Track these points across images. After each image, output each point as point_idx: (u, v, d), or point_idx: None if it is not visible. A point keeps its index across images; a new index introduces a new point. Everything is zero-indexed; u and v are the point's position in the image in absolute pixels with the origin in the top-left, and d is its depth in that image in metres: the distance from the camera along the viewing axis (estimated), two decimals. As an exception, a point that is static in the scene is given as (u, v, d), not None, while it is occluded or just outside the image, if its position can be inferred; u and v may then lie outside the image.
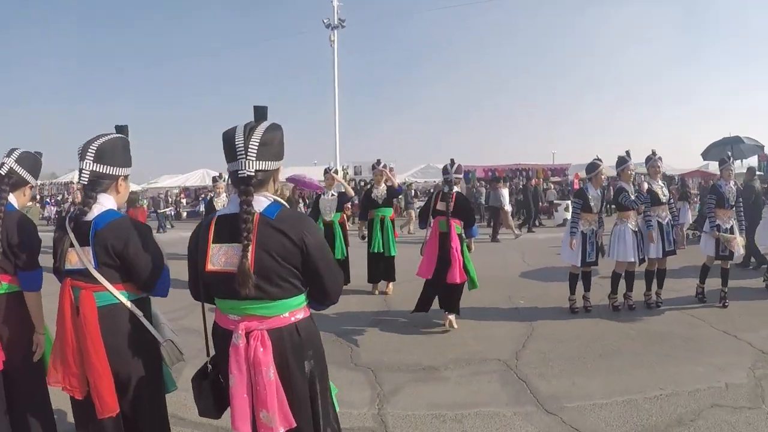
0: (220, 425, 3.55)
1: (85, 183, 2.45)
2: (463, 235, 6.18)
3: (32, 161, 3.15)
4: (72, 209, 2.52)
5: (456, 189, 6.18)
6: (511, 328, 6.10)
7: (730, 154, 7.38)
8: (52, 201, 31.17)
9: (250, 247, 1.99)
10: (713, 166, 20.59)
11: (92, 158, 2.43)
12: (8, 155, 3.03)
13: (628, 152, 6.74)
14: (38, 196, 31.47)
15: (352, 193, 9.02)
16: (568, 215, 8.27)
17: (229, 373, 2.05)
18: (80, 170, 2.45)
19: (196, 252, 2.19)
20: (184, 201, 32.04)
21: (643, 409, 3.91)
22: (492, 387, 4.46)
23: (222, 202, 9.50)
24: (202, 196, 27.26)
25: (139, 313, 2.48)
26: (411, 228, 17.67)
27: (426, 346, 5.57)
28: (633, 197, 6.48)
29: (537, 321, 6.34)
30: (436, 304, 6.31)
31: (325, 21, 28.57)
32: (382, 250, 8.02)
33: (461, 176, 6.64)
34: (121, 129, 2.64)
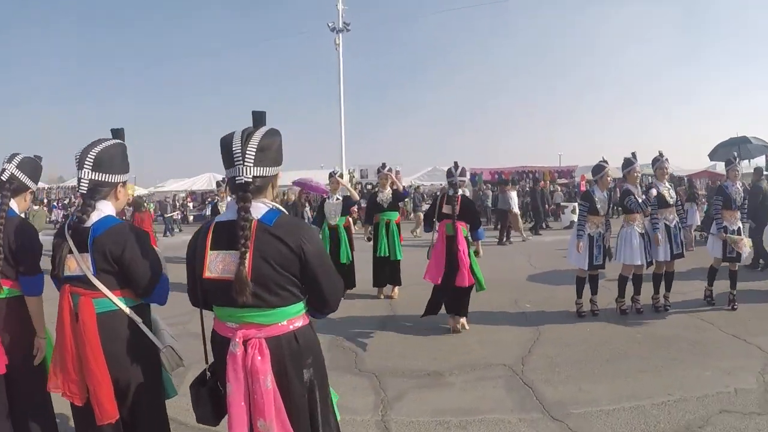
0: (221, 432, 3.52)
1: (84, 192, 2.45)
2: (470, 238, 6.16)
3: (33, 166, 3.15)
4: (73, 215, 2.51)
5: (466, 192, 6.15)
6: (518, 333, 6.05)
7: (736, 154, 7.28)
8: (59, 205, 31.33)
9: (247, 255, 1.97)
10: (720, 167, 20.43)
11: (91, 167, 2.43)
12: (9, 161, 3.03)
13: (634, 154, 6.69)
14: (45, 200, 31.72)
15: (357, 197, 9.00)
16: (575, 217, 8.21)
17: (227, 381, 2.03)
18: (79, 179, 2.44)
19: (194, 258, 2.17)
20: (190, 205, 32.21)
21: (651, 416, 3.85)
22: (497, 393, 4.42)
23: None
24: (209, 199, 27.31)
25: (138, 319, 2.47)
26: (418, 231, 17.63)
27: (431, 351, 5.53)
28: (640, 200, 6.42)
29: (543, 325, 6.28)
30: (442, 308, 6.27)
31: (330, 24, 28.57)
32: (387, 254, 7.99)
33: (466, 179, 6.60)
34: (118, 133, 2.63)
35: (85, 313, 2.34)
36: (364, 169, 28.97)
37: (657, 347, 5.35)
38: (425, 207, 17.00)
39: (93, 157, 2.43)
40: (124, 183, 2.64)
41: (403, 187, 8.74)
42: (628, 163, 6.65)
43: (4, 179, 2.96)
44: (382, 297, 8.11)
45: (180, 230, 24.27)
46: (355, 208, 9.80)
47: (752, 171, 10.63)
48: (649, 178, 8.45)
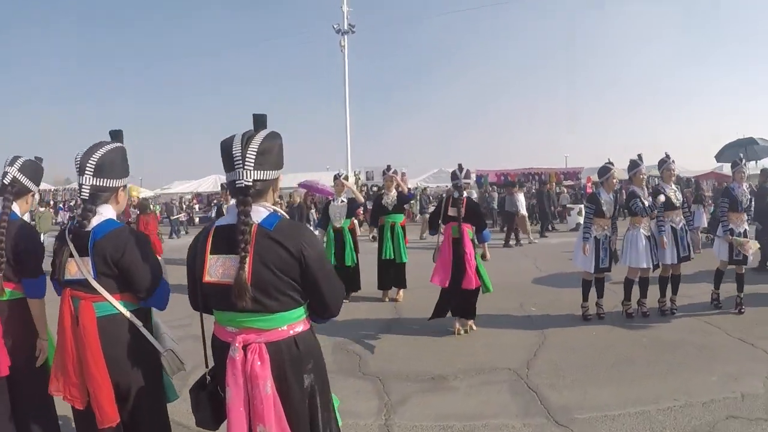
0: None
1: (86, 198, 2.45)
2: (476, 240, 6.14)
3: (34, 169, 3.16)
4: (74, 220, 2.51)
5: (473, 193, 6.15)
6: (523, 337, 6.01)
7: (742, 155, 7.25)
8: (66, 207, 31.46)
9: (247, 259, 1.95)
10: (727, 168, 20.36)
11: (92, 173, 2.43)
12: (11, 164, 3.04)
13: (640, 156, 6.64)
14: (52, 202, 31.87)
15: (362, 199, 8.98)
16: (581, 219, 8.17)
17: (226, 386, 2.01)
18: (80, 185, 2.44)
19: (195, 262, 2.16)
20: (196, 207, 32.25)
21: (657, 421, 3.81)
22: (502, 398, 4.38)
23: (231, 209, 9.49)
24: (215, 201, 27.40)
25: (138, 323, 2.47)
26: (425, 235, 17.60)
27: (435, 354, 5.51)
28: (646, 202, 6.37)
29: (549, 329, 6.24)
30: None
31: (335, 27, 28.61)
32: (392, 257, 7.98)
33: (470, 181, 6.58)
34: (116, 135, 2.63)
35: (85, 317, 2.34)
36: (370, 171, 28.92)
37: (663, 351, 5.31)
38: (432, 209, 16.98)
39: (94, 162, 2.43)
40: (125, 186, 2.64)
41: (408, 189, 8.71)
42: (634, 165, 6.60)
43: (7, 182, 2.97)
44: (387, 300, 8.10)
45: (186, 232, 24.33)
46: (360, 210, 9.77)
47: (759, 172, 10.56)
48: (656, 179, 8.39)
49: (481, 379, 4.80)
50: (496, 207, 21.68)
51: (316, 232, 8.00)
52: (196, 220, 29.87)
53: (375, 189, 24.01)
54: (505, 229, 16.12)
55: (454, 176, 6.30)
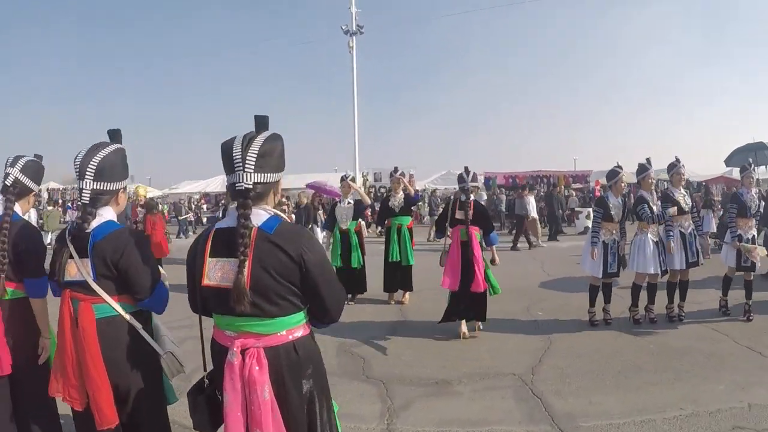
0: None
1: (86, 202, 2.44)
2: (483, 243, 6.11)
3: (35, 169, 3.16)
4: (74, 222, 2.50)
5: (483, 196, 6.13)
6: (528, 342, 5.96)
7: (751, 160, 7.16)
8: (74, 206, 31.58)
9: (246, 263, 1.93)
10: (737, 173, 20.21)
11: (92, 177, 2.43)
12: (12, 165, 3.03)
13: (648, 159, 6.58)
14: (60, 201, 32.03)
15: (369, 201, 8.97)
16: (589, 223, 8.12)
17: (224, 390, 2.00)
18: (80, 189, 2.44)
19: (194, 264, 2.14)
20: (204, 207, 32.30)
21: (662, 430, 3.76)
22: (506, 403, 4.34)
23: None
24: (222, 202, 27.45)
25: (138, 325, 2.46)
26: (431, 236, 17.57)
27: (440, 358, 5.47)
28: (654, 207, 6.30)
29: (555, 334, 6.19)
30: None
31: (343, 27, 28.67)
32: (399, 259, 7.95)
33: (478, 184, 6.56)
34: (115, 134, 2.62)
35: (84, 319, 2.34)
36: (378, 172, 28.87)
37: (670, 359, 5.24)
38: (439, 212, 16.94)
39: (94, 166, 2.43)
40: (125, 188, 2.64)
41: (415, 191, 8.70)
42: (643, 170, 6.54)
43: (9, 184, 2.97)
44: (393, 302, 8.07)
45: (194, 232, 24.35)
46: (368, 211, 9.77)
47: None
48: (665, 183, 8.31)
49: (486, 384, 4.76)
50: (504, 210, 21.61)
51: (323, 234, 7.99)
52: (204, 220, 29.94)
53: (383, 191, 23.98)
54: (514, 232, 16.08)
55: (460, 179, 6.27)
